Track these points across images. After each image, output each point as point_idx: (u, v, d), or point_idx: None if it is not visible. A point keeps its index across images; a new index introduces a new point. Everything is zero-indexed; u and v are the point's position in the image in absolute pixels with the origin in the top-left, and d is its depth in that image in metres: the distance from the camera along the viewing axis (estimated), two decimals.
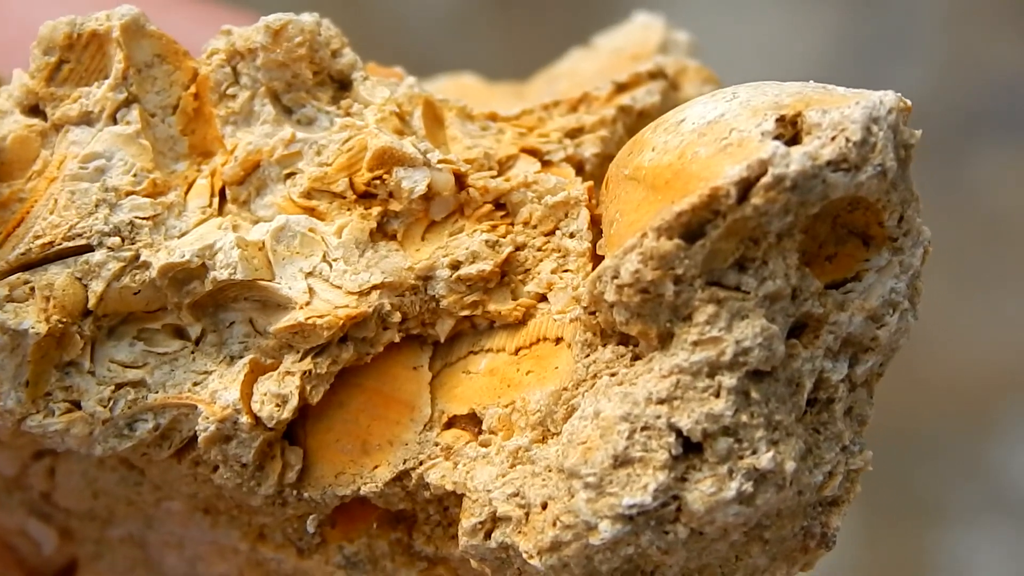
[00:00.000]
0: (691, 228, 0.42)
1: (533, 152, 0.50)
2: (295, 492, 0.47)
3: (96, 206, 0.45)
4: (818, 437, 0.45)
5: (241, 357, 0.46)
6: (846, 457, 0.45)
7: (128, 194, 0.46)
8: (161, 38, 0.47)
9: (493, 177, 0.48)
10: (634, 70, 0.53)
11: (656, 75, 0.53)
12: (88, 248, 0.45)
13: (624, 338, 0.45)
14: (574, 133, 0.51)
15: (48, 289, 0.45)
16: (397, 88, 0.49)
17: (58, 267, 0.45)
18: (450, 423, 0.47)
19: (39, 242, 0.45)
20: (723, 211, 0.41)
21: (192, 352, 0.46)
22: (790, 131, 0.42)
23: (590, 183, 0.48)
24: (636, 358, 0.44)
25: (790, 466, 0.43)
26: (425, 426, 0.47)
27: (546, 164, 0.50)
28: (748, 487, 0.42)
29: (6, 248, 0.45)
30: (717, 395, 0.42)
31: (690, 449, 0.42)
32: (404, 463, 0.47)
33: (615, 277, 0.43)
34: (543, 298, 0.48)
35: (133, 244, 0.45)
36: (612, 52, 0.57)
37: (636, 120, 0.52)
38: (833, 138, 0.41)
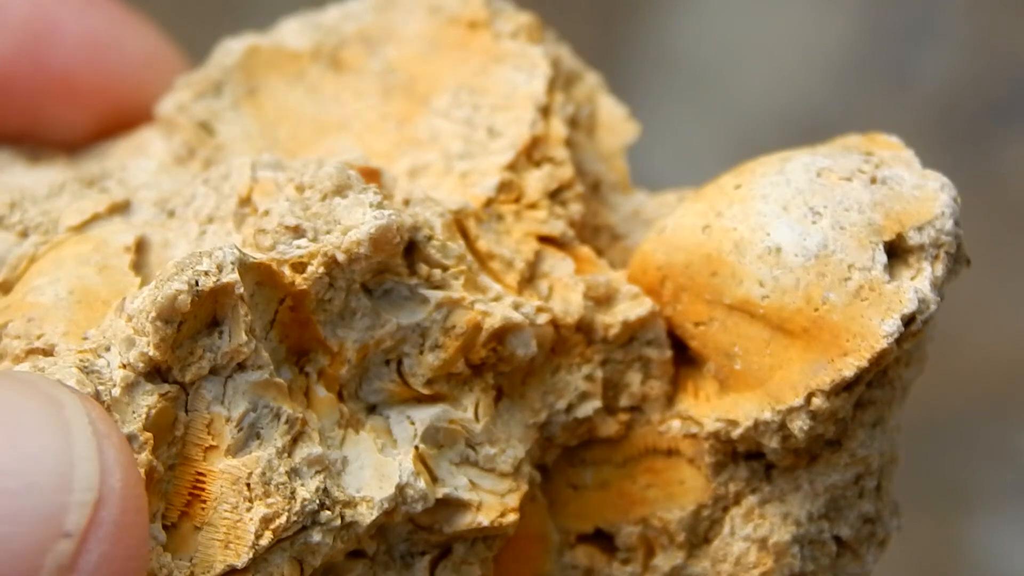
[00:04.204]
0: (853, 381, 0.46)
1: (549, 240, 0.50)
2: None
3: (290, 479, 0.43)
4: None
5: (411, 556, 0.47)
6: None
7: (293, 443, 0.44)
8: (259, 266, 0.44)
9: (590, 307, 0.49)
10: (541, 76, 0.51)
11: (555, 80, 0.52)
12: (301, 528, 0.43)
13: (754, 453, 0.49)
14: (554, 194, 0.51)
15: None
16: (435, 215, 0.47)
17: (278, 556, 0.43)
18: (575, 542, 0.50)
19: (263, 543, 0.43)
20: (884, 363, 0.46)
21: (372, 568, 0.46)
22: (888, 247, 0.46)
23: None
24: (769, 467, 0.49)
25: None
26: (558, 552, 0.49)
27: (561, 247, 0.50)
28: (878, 555, 0.49)
29: (201, 541, 0.43)
30: (861, 496, 0.49)
31: (840, 544, 0.49)
32: None
33: (780, 430, 0.47)
34: (633, 408, 0.50)
35: (333, 510, 0.44)
36: (431, 12, 0.54)
37: (577, 150, 0.52)
38: (936, 256, 0.46)
